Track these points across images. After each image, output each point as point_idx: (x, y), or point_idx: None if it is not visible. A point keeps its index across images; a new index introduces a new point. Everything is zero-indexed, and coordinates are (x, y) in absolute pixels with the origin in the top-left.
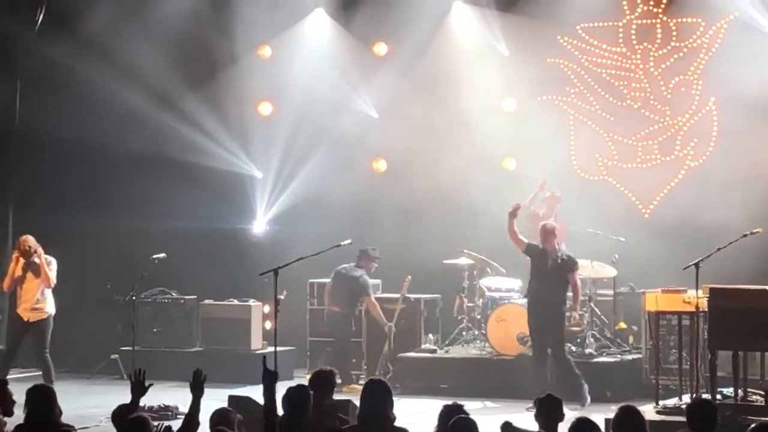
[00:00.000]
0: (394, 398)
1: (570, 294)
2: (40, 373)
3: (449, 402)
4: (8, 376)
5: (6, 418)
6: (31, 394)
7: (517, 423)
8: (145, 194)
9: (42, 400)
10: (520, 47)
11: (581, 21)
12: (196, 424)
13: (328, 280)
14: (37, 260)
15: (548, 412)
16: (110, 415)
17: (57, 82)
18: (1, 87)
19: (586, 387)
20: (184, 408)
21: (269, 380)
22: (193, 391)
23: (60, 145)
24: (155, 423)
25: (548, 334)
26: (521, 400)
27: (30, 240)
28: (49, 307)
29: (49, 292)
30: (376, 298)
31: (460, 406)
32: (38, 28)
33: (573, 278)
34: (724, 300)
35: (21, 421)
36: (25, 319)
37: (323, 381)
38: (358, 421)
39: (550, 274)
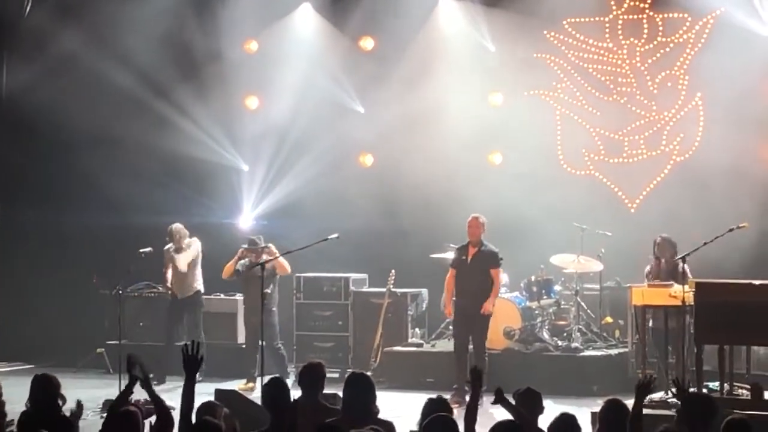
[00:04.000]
0: (381, 392)
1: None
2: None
3: (434, 396)
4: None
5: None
6: (34, 382)
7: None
8: (132, 188)
9: (45, 389)
10: (506, 42)
11: (568, 16)
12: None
13: (314, 275)
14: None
15: (528, 405)
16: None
17: (44, 66)
18: None
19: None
20: (170, 401)
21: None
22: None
23: (44, 136)
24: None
25: (470, 330)
26: (507, 394)
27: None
28: (198, 284)
29: (198, 272)
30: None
31: (444, 401)
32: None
33: (494, 272)
34: (710, 294)
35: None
36: (178, 296)
37: (314, 374)
38: (341, 414)
39: (470, 267)
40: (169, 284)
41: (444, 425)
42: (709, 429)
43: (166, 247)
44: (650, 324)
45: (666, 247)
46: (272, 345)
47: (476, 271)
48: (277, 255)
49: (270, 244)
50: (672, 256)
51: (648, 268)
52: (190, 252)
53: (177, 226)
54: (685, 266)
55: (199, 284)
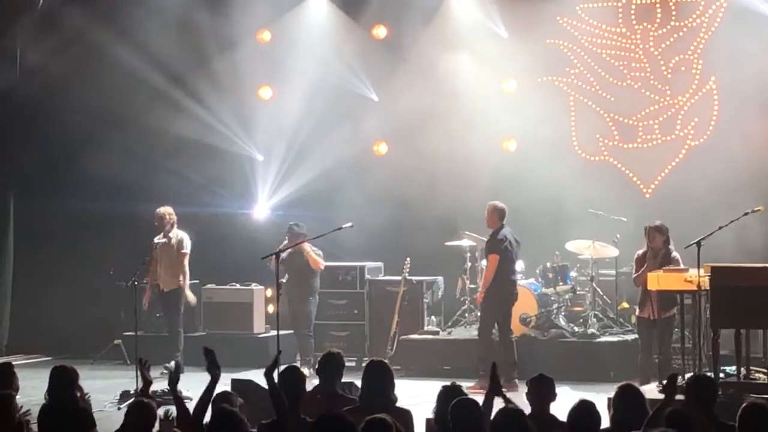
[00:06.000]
0: (397, 380)
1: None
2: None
3: (448, 383)
4: (14, 362)
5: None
6: (53, 374)
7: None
8: (146, 178)
9: (64, 381)
10: (519, 29)
11: (581, 1)
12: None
13: (330, 263)
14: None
15: (540, 392)
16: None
17: (57, 52)
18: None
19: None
20: (188, 392)
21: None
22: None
23: (58, 125)
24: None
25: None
26: (523, 381)
27: (163, 212)
28: (180, 278)
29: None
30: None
31: (459, 387)
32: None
33: (490, 258)
34: (726, 278)
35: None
36: (163, 288)
37: (333, 363)
38: (360, 402)
39: (485, 253)
40: (155, 276)
41: (468, 408)
42: (711, 406)
43: (156, 240)
44: (636, 313)
45: (654, 235)
46: (303, 332)
47: (486, 258)
48: (290, 246)
49: (305, 237)
50: (662, 244)
51: (638, 254)
52: (185, 249)
53: (167, 209)
54: (676, 254)
55: (180, 279)
